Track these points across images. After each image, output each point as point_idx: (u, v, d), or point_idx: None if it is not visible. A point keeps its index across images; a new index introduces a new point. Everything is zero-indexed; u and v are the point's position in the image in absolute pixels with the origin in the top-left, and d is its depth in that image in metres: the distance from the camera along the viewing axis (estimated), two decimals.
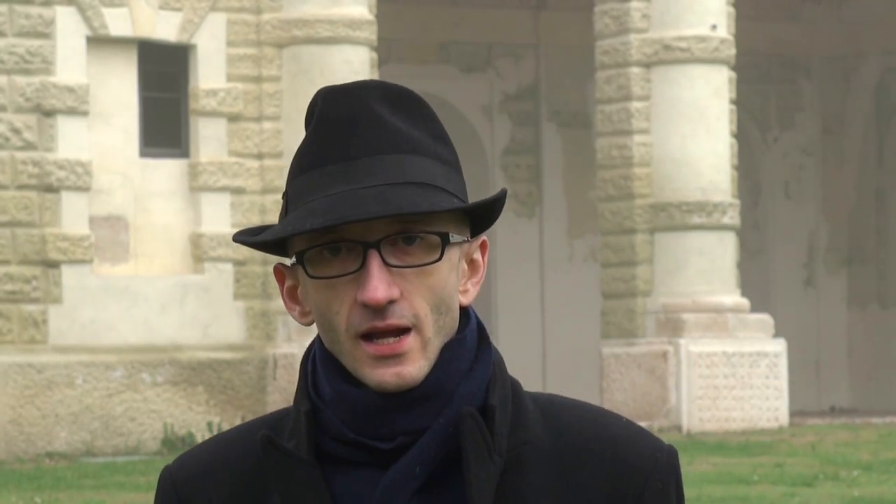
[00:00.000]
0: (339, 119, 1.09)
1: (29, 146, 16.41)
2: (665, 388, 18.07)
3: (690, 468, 14.12)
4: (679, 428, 17.69)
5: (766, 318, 19.62)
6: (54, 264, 16.42)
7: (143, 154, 17.03)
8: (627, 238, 19.06)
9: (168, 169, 17.16)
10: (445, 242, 1.08)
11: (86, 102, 16.58)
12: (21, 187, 16.38)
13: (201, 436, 16.14)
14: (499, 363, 1.14)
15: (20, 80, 16.39)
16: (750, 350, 18.69)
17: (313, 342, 1.14)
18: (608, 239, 19.51)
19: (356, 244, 1.07)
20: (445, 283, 1.08)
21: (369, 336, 1.07)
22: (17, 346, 16.26)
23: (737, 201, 19.49)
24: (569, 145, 25.76)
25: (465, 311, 1.13)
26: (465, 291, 1.13)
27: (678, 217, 18.68)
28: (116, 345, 16.48)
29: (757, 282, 33.72)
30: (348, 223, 1.05)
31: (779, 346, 19.16)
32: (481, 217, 1.14)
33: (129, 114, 16.98)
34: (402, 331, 1.07)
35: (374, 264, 1.06)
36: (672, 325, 18.45)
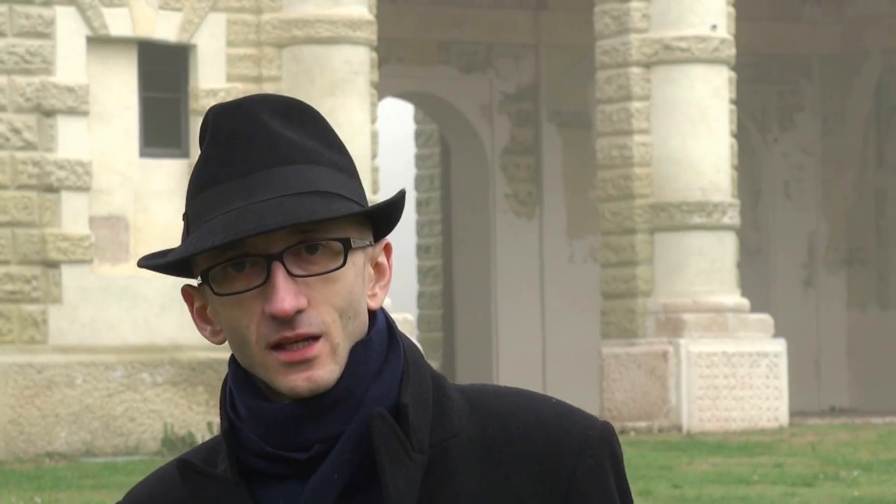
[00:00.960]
0: (230, 135, 1.10)
1: (29, 146, 16.41)
2: (665, 388, 18.07)
3: (690, 468, 14.13)
4: (679, 428, 17.67)
5: (766, 318, 19.63)
6: (54, 264, 16.42)
7: (143, 154, 17.03)
8: (627, 238, 19.05)
9: (168, 169, 17.16)
10: (347, 248, 1.09)
11: (86, 102, 16.58)
12: (21, 187, 16.38)
13: (201, 436, 16.14)
14: (414, 360, 1.13)
15: (20, 80, 16.39)
16: (750, 350, 18.69)
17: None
18: (608, 239, 19.51)
19: (259, 258, 1.07)
20: (351, 289, 1.09)
21: (280, 345, 1.08)
22: (17, 346, 16.26)
23: (737, 201, 19.49)
24: (569, 145, 25.76)
25: (373, 313, 1.13)
26: (374, 295, 1.14)
27: (678, 217, 18.68)
28: (116, 345, 16.48)
29: (757, 282, 33.72)
30: (248, 237, 1.06)
31: (779, 346, 19.16)
32: (383, 220, 1.14)
33: (129, 114, 16.98)
34: (312, 338, 1.07)
35: (279, 276, 1.07)
36: (672, 325, 18.45)
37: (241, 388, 1.12)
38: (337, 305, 1.08)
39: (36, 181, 16.42)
